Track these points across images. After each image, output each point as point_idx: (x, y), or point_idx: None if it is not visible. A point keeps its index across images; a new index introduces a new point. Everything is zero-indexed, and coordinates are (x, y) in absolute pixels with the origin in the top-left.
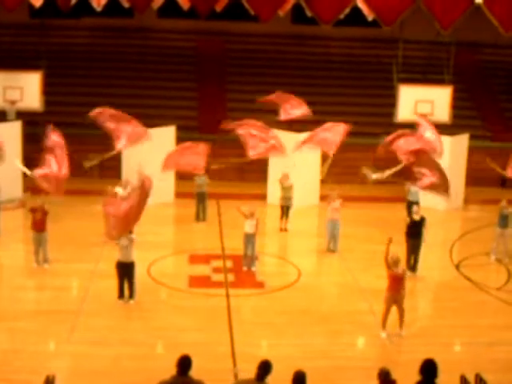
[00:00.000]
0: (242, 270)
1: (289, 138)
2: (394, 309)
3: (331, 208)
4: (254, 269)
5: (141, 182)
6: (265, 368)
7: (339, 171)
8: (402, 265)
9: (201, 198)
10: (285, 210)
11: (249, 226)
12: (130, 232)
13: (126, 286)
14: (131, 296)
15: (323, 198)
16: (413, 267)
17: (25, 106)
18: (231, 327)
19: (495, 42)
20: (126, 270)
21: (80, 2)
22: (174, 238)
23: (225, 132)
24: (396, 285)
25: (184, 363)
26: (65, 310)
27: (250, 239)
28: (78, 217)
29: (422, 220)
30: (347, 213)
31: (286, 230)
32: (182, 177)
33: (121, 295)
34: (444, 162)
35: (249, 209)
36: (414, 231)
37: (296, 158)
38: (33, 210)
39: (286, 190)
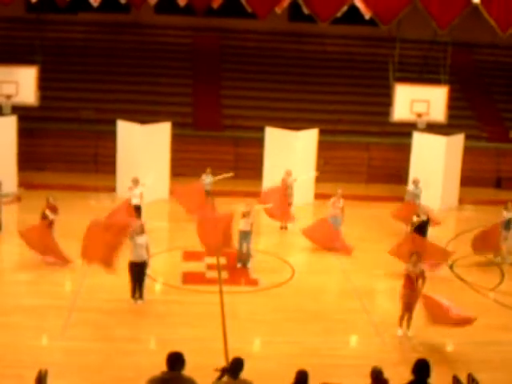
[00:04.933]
0: (235, 267)
1: (285, 136)
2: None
3: (334, 205)
4: (248, 266)
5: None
6: (237, 365)
7: (334, 170)
8: (420, 265)
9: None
10: None
11: (244, 224)
12: (143, 232)
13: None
14: (141, 296)
15: (318, 196)
16: None
17: (20, 100)
18: (224, 324)
19: (492, 42)
20: (138, 270)
21: None
22: (168, 235)
23: (220, 129)
24: (410, 283)
25: (173, 359)
26: (58, 306)
27: (245, 236)
28: (73, 212)
29: (428, 220)
30: (345, 212)
31: (285, 228)
32: (177, 174)
33: (134, 295)
34: (439, 161)
35: (245, 207)
36: (420, 230)
37: (292, 156)
38: (44, 217)
39: (289, 187)
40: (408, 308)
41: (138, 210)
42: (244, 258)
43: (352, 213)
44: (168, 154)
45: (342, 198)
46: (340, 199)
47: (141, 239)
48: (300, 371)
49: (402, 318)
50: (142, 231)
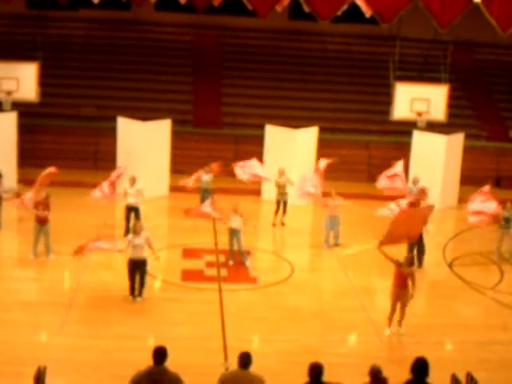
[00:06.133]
0: (232, 264)
1: (285, 134)
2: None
3: (331, 205)
4: (247, 264)
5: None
6: (247, 358)
7: (334, 168)
8: (411, 265)
9: (205, 195)
10: (282, 204)
11: (233, 222)
12: (142, 230)
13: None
14: (140, 294)
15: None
16: (419, 263)
17: (21, 96)
18: (223, 322)
19: (492, 41)
20: (138, 268)
21: None
22: (168, 232)
23: (220, 127)
24: (399, 281)
25: (159, 354)
26: (57, 302)
27: (234, 234)
28: (71, 209)
29: None
30: (341, 210)
31: (283, 224)
32: (177, 171)
33: (132, 293)
34: (439, 160)
35: (232, 204)
36: None
37: (290, 156)
38: (37, 204)
39: (282, 185)
40: (395, 306)
41: (134, 210)
42: (236, 256)
43: (351, 211)
44: (168, 150)
45: (338, 196)
46: (335, 198)
47: (138, 239)
48: (313, 363)
49: (391, 318)
50: (140, 231)
